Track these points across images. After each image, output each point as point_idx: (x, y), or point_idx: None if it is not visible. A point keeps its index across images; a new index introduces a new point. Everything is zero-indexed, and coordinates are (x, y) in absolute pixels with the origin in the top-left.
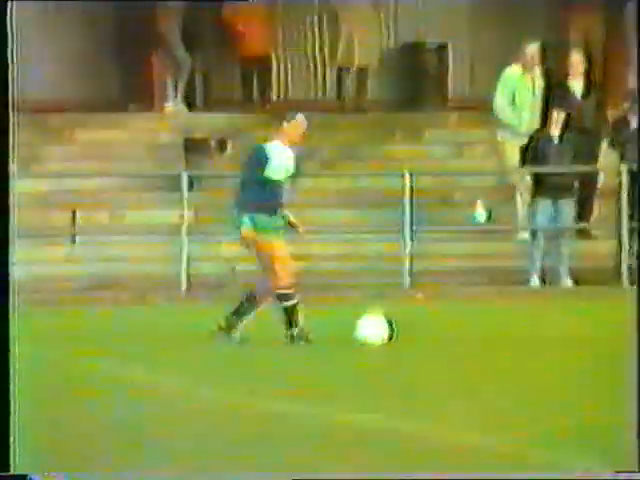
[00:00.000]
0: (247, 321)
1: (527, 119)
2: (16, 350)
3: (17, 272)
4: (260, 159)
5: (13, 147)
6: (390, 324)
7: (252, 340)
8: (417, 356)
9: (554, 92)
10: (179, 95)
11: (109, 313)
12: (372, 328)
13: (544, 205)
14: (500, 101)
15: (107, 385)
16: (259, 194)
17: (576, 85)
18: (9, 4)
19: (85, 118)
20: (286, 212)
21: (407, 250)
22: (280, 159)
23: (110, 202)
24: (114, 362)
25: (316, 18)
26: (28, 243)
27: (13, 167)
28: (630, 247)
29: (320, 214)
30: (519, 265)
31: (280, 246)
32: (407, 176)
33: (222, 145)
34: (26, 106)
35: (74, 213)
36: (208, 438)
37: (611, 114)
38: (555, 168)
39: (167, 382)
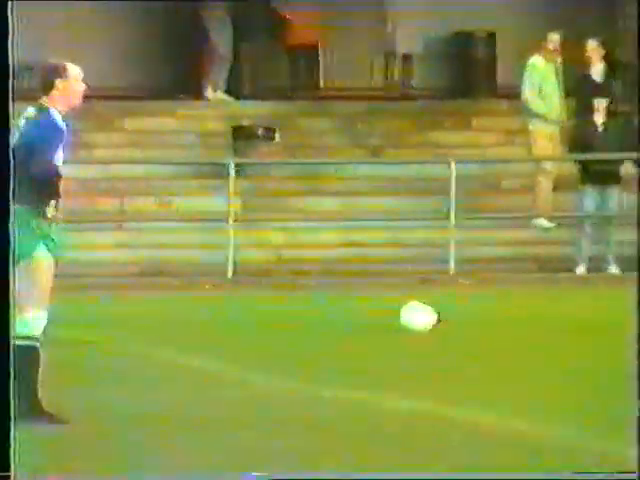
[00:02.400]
0: None
1: (556, 107)
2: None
3: (65, 257)
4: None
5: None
6: (435, 311)
7: (300, 328)
8: (462, 342)
9: (581, 80)
10: (222, 85)
11: (158, 299)
12: (417, 314)
13: (590, 193)
14: (529, 91)
15: (154, 370)
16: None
17: (597, 72)
18: (9, 4)
19: (134, 106)
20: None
21: (453, 237)
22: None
23: (158, 189)
24: (164, 348)
25: (363, 5)
26: (76, 229)
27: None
28: None
29: (366, 201)
30: (566, 252)
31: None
32: (453, 163)
33: (270, 133)
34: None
35: (122, 200)
36: (262, 425)
37: None
38: (601, 155)
39: (211, 367)
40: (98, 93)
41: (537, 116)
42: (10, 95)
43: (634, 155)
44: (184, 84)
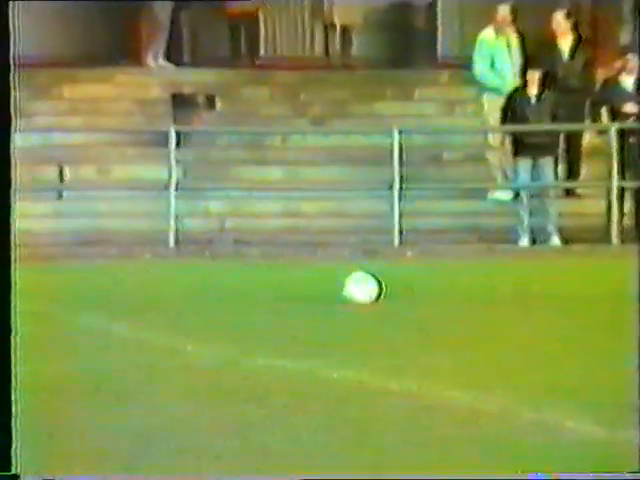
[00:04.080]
0: None
1: (510, 80)
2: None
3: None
4: None
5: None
6: (379, 282)
7: (241, 298)
8: (406, 314)
9: (536, 52)
10: (162, 52)
11: (97, 269)
12: (360, 286)
13: (524, 164)
14: (480, 65)
15: (97, 342)
16: None
17: (563, 44)
18: (10, 4)
19: (73, 74)
20: None
21: (396, 208)
22: None
23: (98, 157)
24: (103, 318)
25: None
26: (16, 198)
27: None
28: (620, 206)
29: (310, 171)
30: (509, 224)
31: None
32: (396, 133)
33: (210, 101)
34: (15, 62)
35: (61, 168)
36: (199, 395)
37: (602, 73)
38: (533, 127)
39: (157, 339)
40: (36, 61)
41: (490, 90)
42: (11, 94)
43: (568, 127)
44: (123, 51)
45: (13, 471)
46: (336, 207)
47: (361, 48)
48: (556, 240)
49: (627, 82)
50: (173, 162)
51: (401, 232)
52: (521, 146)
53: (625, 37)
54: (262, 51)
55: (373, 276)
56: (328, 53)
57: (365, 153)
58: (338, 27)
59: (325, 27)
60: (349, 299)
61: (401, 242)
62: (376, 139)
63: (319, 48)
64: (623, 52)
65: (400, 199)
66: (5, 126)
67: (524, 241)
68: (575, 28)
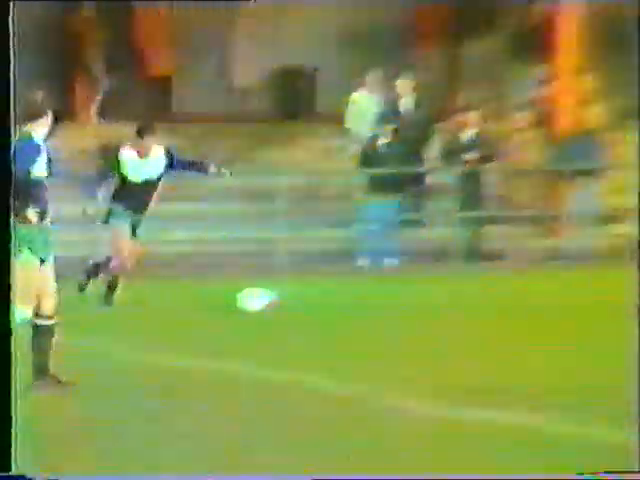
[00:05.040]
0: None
1: (374, 132)
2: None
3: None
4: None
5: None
6: (267, 295)
7: (162, 308)
8: (291, 323)
9: (387, 109)
10: (95, 110)
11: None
12: (251, 298)
13: (373, 201)
14: (350, 120)
15: None
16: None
17: (406, 103)
18: (11, 4)
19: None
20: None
21: (283, 236)
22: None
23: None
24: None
25: (209, 41)
26: None
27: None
28: (460, 234)
29: (216, 206)
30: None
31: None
32: (282, 176)
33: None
34: None
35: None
36: (124, 392)
37: (448, 126)
38: (383, 170)
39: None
40: None
41: (356, 139)
42: (12, 95)
43: (411, 169)
44: (61, 111)
45: (14, 471)
46: (235, 235)
47: (256, 104)
48: (395, 261)
49: (468, 134)
50: (101, 198)
51: (287, 254)
52: (373, 186)
53: (464, 97)
54: (174, 107)
55: (262, 290)
56: (228, 109)
57: (258, 191)
58: (239, 87)
59: (227, 87)
60: (243, 309)
61: (288, 262)
62: (267, 180)
63: (221, 105)
64: (464, 110)
65: (286, 228)
66: (5, 127)
67: (365, 262)
68: (414, 90)
